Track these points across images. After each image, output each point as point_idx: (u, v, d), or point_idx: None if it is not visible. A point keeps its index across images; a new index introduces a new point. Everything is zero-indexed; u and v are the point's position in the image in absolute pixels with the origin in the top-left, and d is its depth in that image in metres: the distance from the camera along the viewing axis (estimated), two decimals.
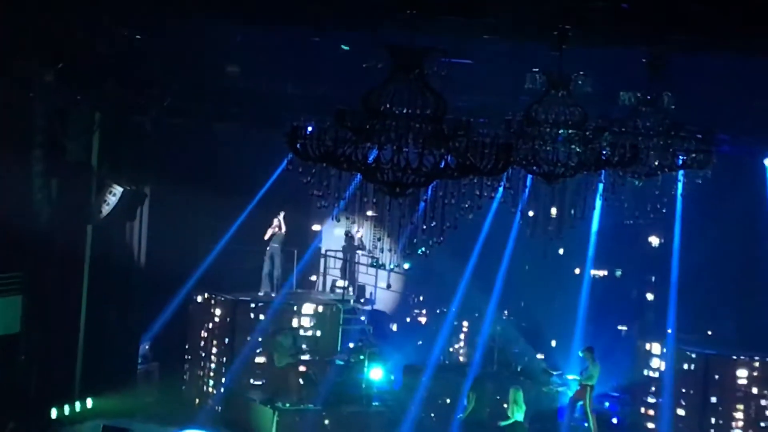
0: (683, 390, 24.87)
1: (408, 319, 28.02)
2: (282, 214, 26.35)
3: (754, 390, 24.43)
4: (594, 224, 26.06)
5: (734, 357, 24.64)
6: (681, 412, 24.85)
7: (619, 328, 27.03)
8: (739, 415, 24.41)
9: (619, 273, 28.09)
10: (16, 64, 20.26)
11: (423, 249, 13.31)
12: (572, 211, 15.46)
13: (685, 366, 24.90)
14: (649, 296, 26.88)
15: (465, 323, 27.99)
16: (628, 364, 26.65)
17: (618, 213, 18.31)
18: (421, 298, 28.55)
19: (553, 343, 26.72)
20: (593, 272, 27.62)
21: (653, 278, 26.83)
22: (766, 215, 24.52)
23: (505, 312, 26.90)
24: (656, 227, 26.35)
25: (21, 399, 22.06)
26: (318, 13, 16.95)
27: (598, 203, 17.16)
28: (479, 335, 26.74)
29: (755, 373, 24.47)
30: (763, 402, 24.44)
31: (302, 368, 24.74)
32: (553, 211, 15.43)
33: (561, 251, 27.94)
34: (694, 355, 24.86)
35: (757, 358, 24.56)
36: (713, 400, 24.53)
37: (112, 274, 23.84)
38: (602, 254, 27.20)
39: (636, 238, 27.06)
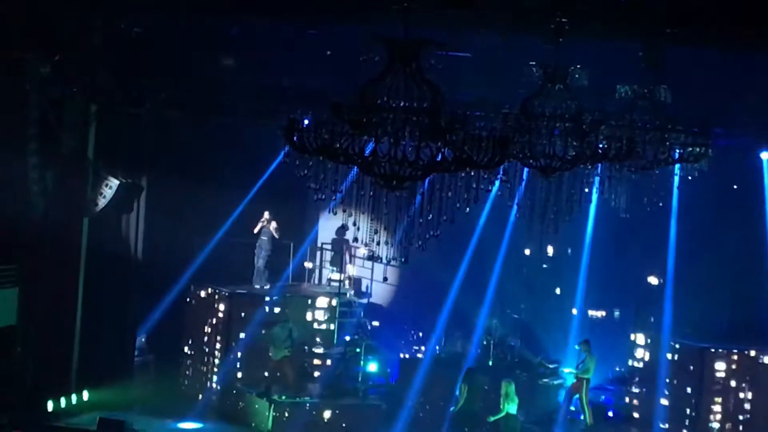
0: (667, 380, 24.89)
1: (407, 356, 27.77)
2: (266, 213, 26.28)
3: (732, 383, 24.40)
4: (589, 223, 26.10)
5: (713, 350, 24.55)
6: (665, 402, 24.89)
7: (617, 368, 27.01)
8: (717, 408, 24.38)
9: (617, 314, 27.94)
10: (12, 57, 20.25)
11: (420, 242, 13.32)
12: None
13: (669, 356, 24.91)
14: (643, 339, 26.59)
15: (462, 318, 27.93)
16: (619, 355, 26.73)
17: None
18: (421, 334, 28.35)
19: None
20: (591, 313, 27.61)
21: (652, 319, 26.71)
22: (763, 208, 24.54)
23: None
24: (654, 265, 26.38)
25: (17, 391, 22.07)
26: (314, 6, 16.95)
27: (595, 197, 17.18)
28: (475, 328, 26.72)
29: (733, 366, 24.41)
30: (741, 395, 24.43)
31: (298, 361, 24.75)
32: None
33: (558, 291, 28.01)
34: (678, 346, 24.87)
35: (735, 350, 24.53)
36: (688, 390, 24.53)
37: (108, 267, 23.79)
38: (600, 294, 27.21)
39: (634, 278, 27.14)
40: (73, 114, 22.62)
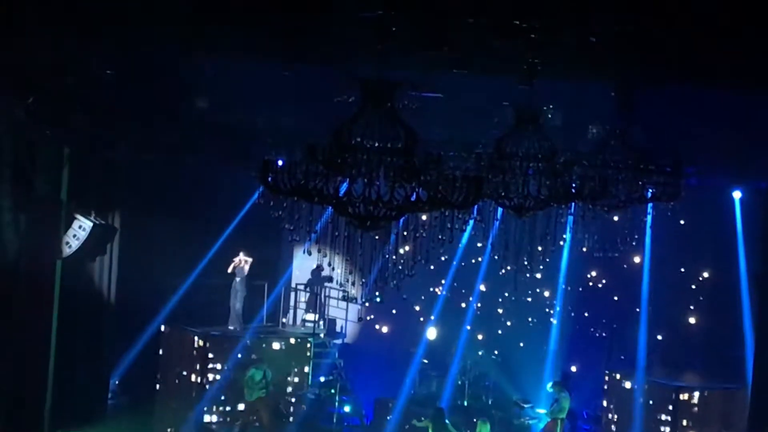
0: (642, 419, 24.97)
1: (382, 397, 27.73)
2: (242, 253, 26.24)
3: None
4: (563, 261, 26.18)
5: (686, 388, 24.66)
6: None
7: (591, 406, 27.07)
8: None
9: (593, 352, 27.93)
10: None
11: (394, 282, 13.34)
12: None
13: (643, 394, 24.96)
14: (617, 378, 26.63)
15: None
16: (595, 392, 26.77)
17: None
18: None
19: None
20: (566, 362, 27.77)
21: (623, 357, 26.82)
22: (735, 247, 24.63)
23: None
24: (628, 302, 26.52)
25: None
26: (289, 48, 16.98)
27: (568, 236, 17.24)
28: (450, 369, 26.72)
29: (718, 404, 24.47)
30: None
31: (273, 402, 24.66)
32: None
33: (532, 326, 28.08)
34: (651, 384, 24.93)
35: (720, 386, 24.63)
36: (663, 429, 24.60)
37: (81, 309, 23.71)
38: (575, 339, 27.34)
39: (608, 316, 27.31)
40: (46, 156, 22.57)
